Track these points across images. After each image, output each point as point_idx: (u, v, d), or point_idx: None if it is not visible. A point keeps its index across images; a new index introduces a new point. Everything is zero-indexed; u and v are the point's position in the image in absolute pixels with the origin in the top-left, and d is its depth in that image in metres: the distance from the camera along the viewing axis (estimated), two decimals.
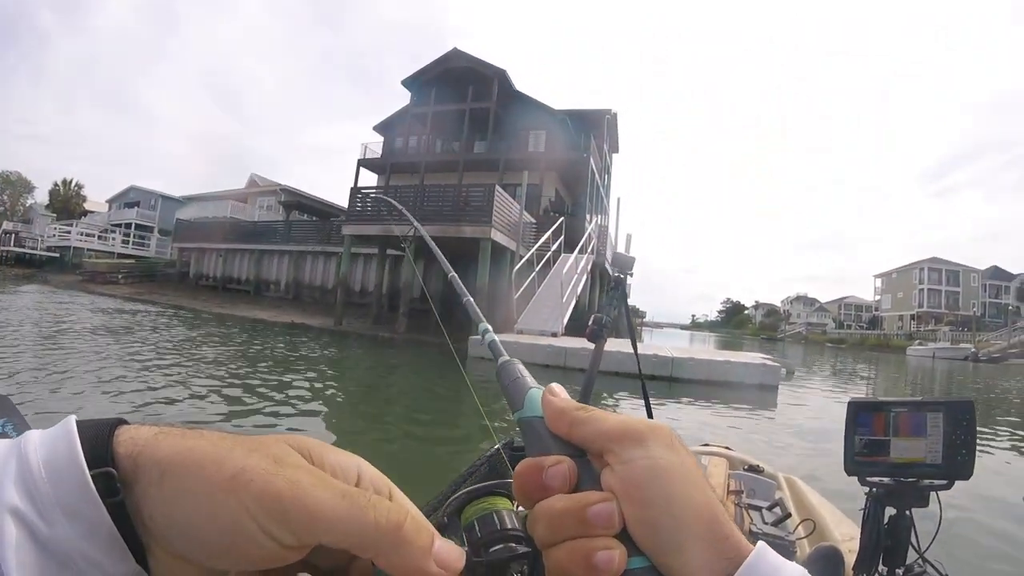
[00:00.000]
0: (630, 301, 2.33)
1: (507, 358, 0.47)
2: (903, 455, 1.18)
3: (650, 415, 2.56)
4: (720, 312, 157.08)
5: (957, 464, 1.16)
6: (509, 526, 0.60)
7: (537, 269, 16.26)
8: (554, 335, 13.57)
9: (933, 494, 1.22)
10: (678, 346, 16.74)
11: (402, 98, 29.45)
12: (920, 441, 1.18)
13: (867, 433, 1.22)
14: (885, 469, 1.21)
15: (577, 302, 16.86)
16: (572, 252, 17.83)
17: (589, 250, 19.91)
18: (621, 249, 28.33)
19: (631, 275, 2.46)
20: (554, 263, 17.77)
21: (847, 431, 1.24)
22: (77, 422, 0.30)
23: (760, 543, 0.33)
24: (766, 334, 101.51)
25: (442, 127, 27.43)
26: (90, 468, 0.28)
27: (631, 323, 2.44)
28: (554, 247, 17.89)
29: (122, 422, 0.31)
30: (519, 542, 0.59)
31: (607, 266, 23.12)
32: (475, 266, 15.95)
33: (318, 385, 7.72)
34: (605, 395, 8.05)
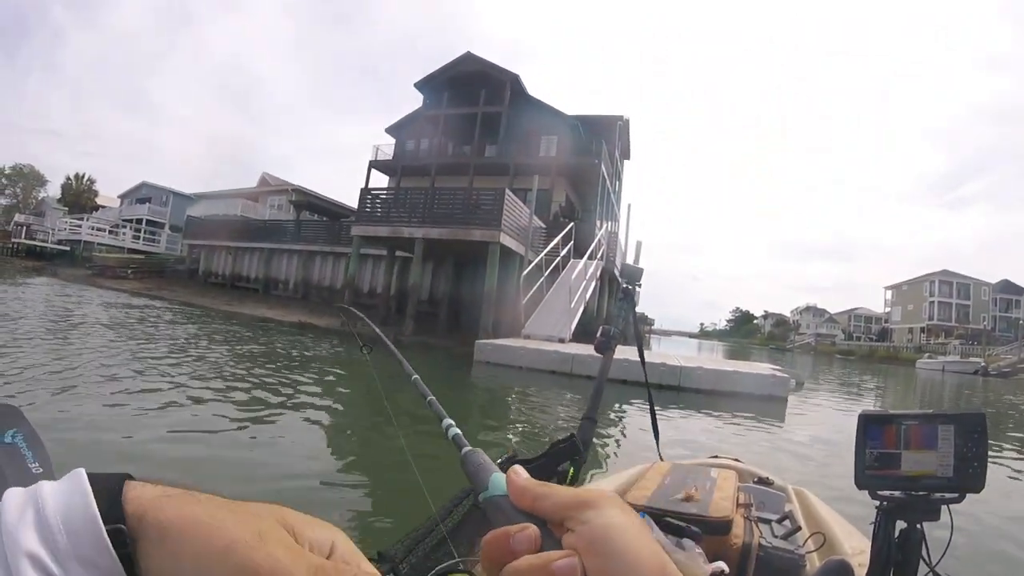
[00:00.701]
0: (638, 309, 2.30)
1: (470, 448, 0.51)
2: (914, 468, 1.17)
3: (655, 427, 2.55)
4: (729, 321, 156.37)
5: (968, 477, 1.14)
6: None
7: (546, 274, 16.26)
8: (561, 341, 13.55)
9: (944, 507, 1.19)
10: (686, 355, 16.67)
11: (414, 100, 29.57)
12: (931, 454, 1.16)
13: (878, 446, 1.21)
14: (896, 482, 1.20)
15: (585, 308, 16.87)
16: (581, 258, 17.82)
17: (599, 256, 19.91)
18: (631, 255, 28.23)
19: (640, 285, 2.47)
20: (563, 269, 17.77)
21: (858, 444, 1.22)
22: (88, 475, 0.34)
23: None
24: (775, 344, 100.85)
25: (454, 130, 27.48)
26: (105, 523, 0.32)
27: (639, 334, 2.43)
28: (563, 252, 17.89)
29: (129, 477, 0.35)
30: None
31: (616, 273, 23.09)
32: (483, 270, 15.93)
33: (316, 389, 7.69)
34: (616, 404, 7.96)
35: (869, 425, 1.22)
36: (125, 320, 13.25)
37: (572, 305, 15.11)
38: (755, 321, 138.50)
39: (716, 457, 2.96)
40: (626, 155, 36.63)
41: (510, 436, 5.98)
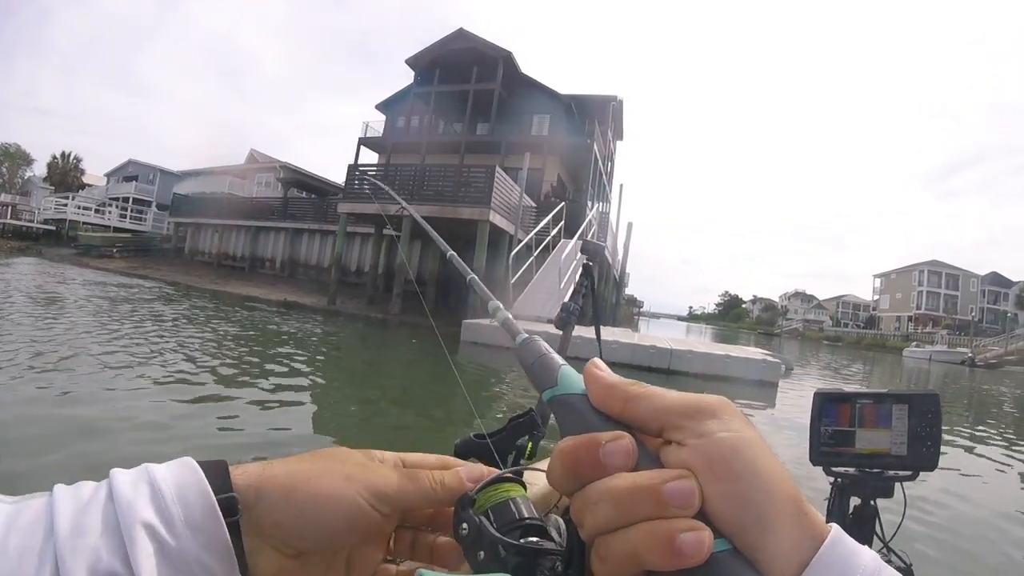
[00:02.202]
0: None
1: (526, 335, 0.44)
2: (868, 446, 1.20)
3: None
4: (718, 305, 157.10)
5: (922, 456, 1.18)
6: (527, 515, 0.51)
7: (536, 254, 16.03)
8: (550, 322, 13.27)
9: (898, 485, 1.24)
10: (676, 337, 16.55)
11: (405, 77, 29.16)
12: (886, 432, 1.20)
13: (833, 424, 1.23)
14: (850, 460, 1.23)
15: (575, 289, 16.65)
16: (572, 238, 17.56)
17: (589, 236, 19.62)
18: (622, 237, 28.23)
19: (594, 264, 2.40)
20: (553, 248, 17.52)
21: (813, 421, 1.24)
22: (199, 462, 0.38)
23: (832, 525, 0.31)
24: (763, 329, 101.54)
25: (445, 108, 27.12)
26: (215, 493, 0.35)
27: (598, 311, 2.35)
28: (553, 232, 17.66)
29: (226, 462, 0.38)
30: (540, 534, 0.49)
31: (606, 255, 22.90)
32: (472, 249, 15.69)
33: (305, 367, 7.54)
34: None
35: (824, 403, 1.24)
36: (107, 299, 13.05)
37: (561, 286, 14.87)
38: (744, 305, 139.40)
39: None
40: (619, 136, 36.42)
41: (499, 415, 5.80)
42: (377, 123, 29.71)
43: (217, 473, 0.36)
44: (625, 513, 0.30)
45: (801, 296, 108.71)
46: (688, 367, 10.34)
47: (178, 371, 6.08)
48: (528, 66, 26.80)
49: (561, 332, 2.20)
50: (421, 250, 21.39)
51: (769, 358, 11.13)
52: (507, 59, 25.80)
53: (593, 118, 25.61)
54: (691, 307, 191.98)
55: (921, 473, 1.22)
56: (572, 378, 0.38)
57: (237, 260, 27.88)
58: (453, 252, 0.96)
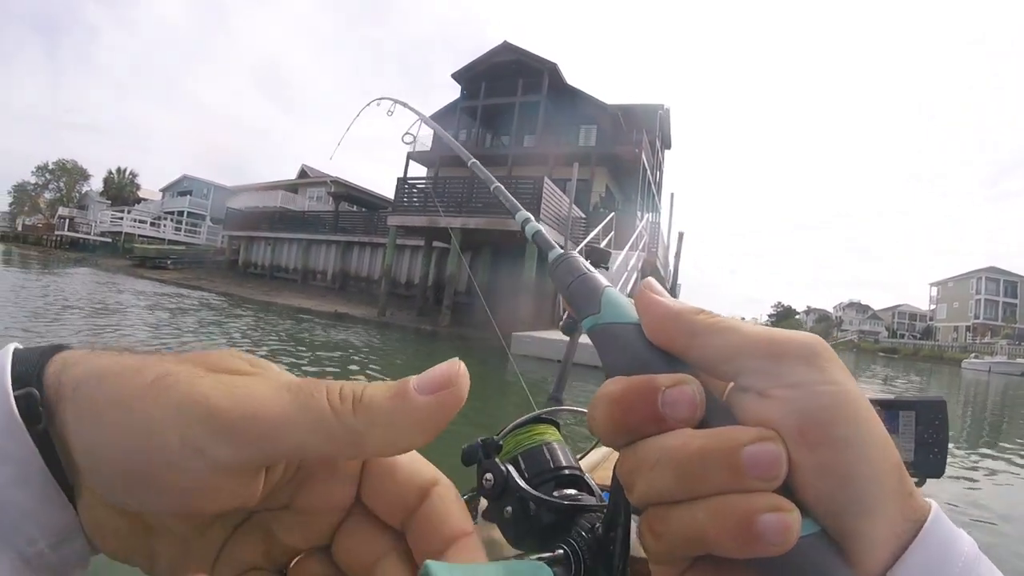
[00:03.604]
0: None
1: (561, 251, 0.36)
2: None
3: None
4: (770, 316, 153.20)
5: (929, 463, 1.05)
6: (565, 463, 0.46)
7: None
8: None
9: None
10: None
11: (452, 91, 29.38)
12: (893, 439, 0.99)
13: None
14: None
15: None
16: (622, 249, 17.42)
17: (640, 247, 19.48)
18: (672, 247, 27.92)
19: (606, 268, 2.34)
20: None
21: None
22: (16, 349, 0.26)
23: (931, 501, 0.26)
24: None
25: (492, 121, 27.23)
26: (15, 388, 0.24)
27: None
28: (603, 243, 17.53)
29: (64, 347, 0.27)
30: (578, 485, 0.45)
31: (657, 266, 22.67)
32: (521, 260, 15.65)
33: (358, 375, 7.58)
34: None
35: None
36: (158, 308, 13.39)
37: None
38: (797, 316, 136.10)
39: None
40: (667, 145, 36.00)
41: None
42: (425, 137, 29.97)
43: (28, 362, 0.25)
44: (690, 483, 0.24)
45: (856, 306, 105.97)
46: None
47: None
48: (574, 76, 26.80)
49: (568, 338, 2.17)
50: (470, 261, 21.47)
51: None
52: (552, 70, 25.76)
53: (640, 127, 25.31)
54: (743, 317, 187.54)
55: (928, 480, 1.18)
56: (620, 303, 0.30)
57: (289, 272, 28.32)
58: (476, 162, 0.93)
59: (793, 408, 0.24)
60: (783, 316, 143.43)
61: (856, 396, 0.25)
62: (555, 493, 0.44)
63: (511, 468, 0.43)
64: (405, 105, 1.62)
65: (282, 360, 7.72)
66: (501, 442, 0.46)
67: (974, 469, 6.14)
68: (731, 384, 0.27)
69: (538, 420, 0.49)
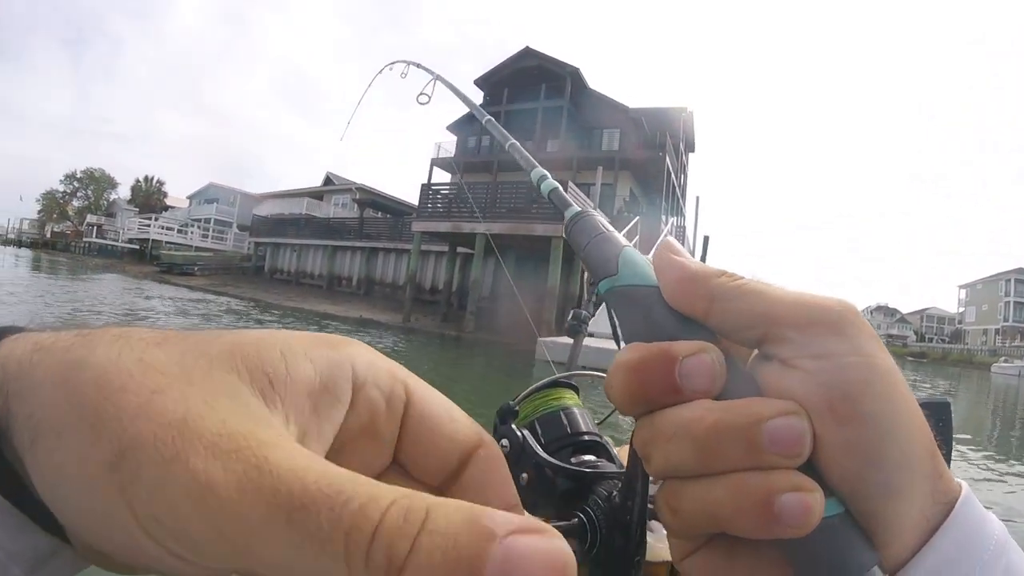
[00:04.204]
0: None
1: (579, 209, 0.34)
2: None
3: None
4: None
5: None
6: (583, 429, 0.45)
7: None
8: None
9: None
10: None
11: (474, 97, 29.47)
12: None
13: None
14: None
15: None
16: (647, 253, 17.26)
17: None
18: (698, 252, 27.68)
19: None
20: None
21: None
22: None
23: (962, 483, 0.25)
24: None
25: (515, 126, 27.22)
26: None
27: (613, 320, 2.33)
28: None
29: (12, 330, 0.21)
30: (597, 451, 0.44)
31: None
32: (546, 265, 15.63)
33: None
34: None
35: None
36: (187, 313, 13.57)
37: None
38: None
39: None
40: (691, 148, 35.79)
41: None
42: (448, 143, 30.12)
43: None
44: (708, 458, 0.23)
45: (884, 310, 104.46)
46: None
47: None
48: (596, 80, 26.76)
49: (572, 340, 2.18)
50: (495, 266, 21.50)
51: None
52: (575, 75, 25.77)
53: (664, 131, 25.21)
54: None
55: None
56: (639, 264, 0.28)
57: (315, 278, 28.59)
58: (490, 117, 0.89)
59: (820, 380, 0.23)
60: None
61: (888, 369, 0.23)
62: (572, 460, 0.43)
63: (527, 434, 0.42)
64: (419, 66, 1.60)
65: None
66: (517, 407, 0.45)
67: (1002, 481, 6.01)
68: (755, 352, 0.26)
69: (556, 384, 0.48)
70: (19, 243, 64.80)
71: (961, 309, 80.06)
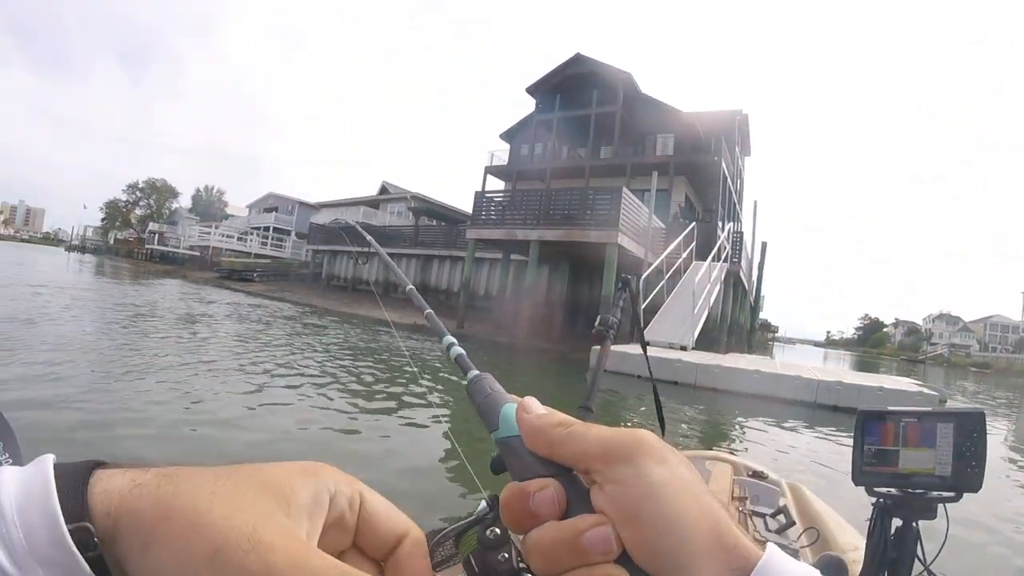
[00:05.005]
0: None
1: (477, 372, 0.44)
2: (911, 465, 1.18)
3: (661, 419, 2.43)
4: (857, 329, 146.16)
5: (966, 476, 1.13)
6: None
7: (667, 277, 15.62)
8: (683, 349, 12.87)
9: (941, 506, 1.20)
10: (817, 366, 15.62)
11: (527, 106, 29.58)
12: (930, 452, 1.17)
13: (876, 443, 1.21)
14: (893, 479, 1.20)
15: (709, 314, 16.05)
16: (704, 260, 17.05)
17: (723, 258, 19.04)
18: (756, 257, 27.12)
19: (633, 277, 2.48)
20: (684, 271, 17.09)
21: (856, 440, 1.22)
22: (55, 464, 0.29)
23: (769, 545, 0.32)
24: (906, 355, 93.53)
25: (568, 133, 27.19)
26: (66, 520, 0.26)
27: (640, 325, 2.45)
28: (684, 254, 17.22)
29: (99, 465, 0.30)
30: None
31: (741, 276, 22.12)
32: (600, 272, 15.50)
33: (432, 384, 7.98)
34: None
35: (868, 421, 1.22)
36: (246, 319, 14.02)
37: (695, 311, 14.39)
38: (885, 329, 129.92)
39: (711, 449, 3.15)
40: (747, 152, 35.10)
41: None
42: (502, 152, 30.25)
43: (74, 488, 0.28)
44: (552, 563, 0.31)
45: (946, 318, 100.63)
46: (837, 400, 9.65)
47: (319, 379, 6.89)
48: (648, 84, 26.50)
49: (600, 346, 2.21)
50: (548, 274, 21.47)
51: (925, 390, 10.34)
52: (627, 80, 25.56)
53: (719, 135, 24.73)
54: (828, 332, 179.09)
55: (965, 494, 1.15)
56: (511, 419, 0.37)
57: (371, 285, 29.01)
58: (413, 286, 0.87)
59: (615, 498, 0.31)
60: (871, 330, 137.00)
61: (664, 482, 0.31)
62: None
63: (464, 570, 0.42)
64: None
65: (364, 376, 7.92)
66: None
67: None
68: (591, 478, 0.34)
69: (479, 523, 0.48)
70: (83, 249, 68.16)
71: None
